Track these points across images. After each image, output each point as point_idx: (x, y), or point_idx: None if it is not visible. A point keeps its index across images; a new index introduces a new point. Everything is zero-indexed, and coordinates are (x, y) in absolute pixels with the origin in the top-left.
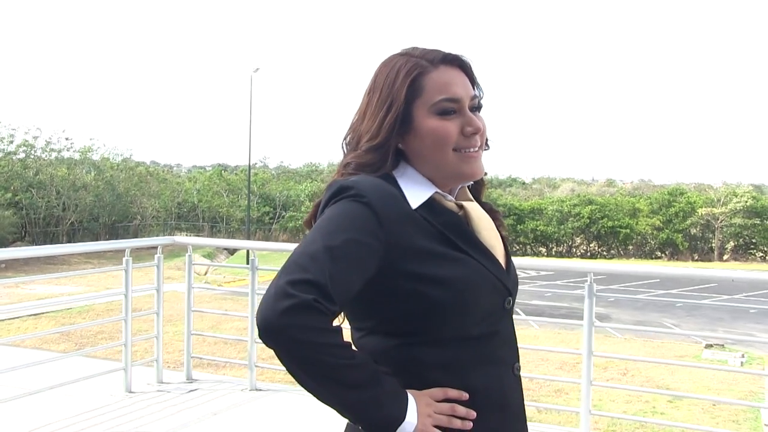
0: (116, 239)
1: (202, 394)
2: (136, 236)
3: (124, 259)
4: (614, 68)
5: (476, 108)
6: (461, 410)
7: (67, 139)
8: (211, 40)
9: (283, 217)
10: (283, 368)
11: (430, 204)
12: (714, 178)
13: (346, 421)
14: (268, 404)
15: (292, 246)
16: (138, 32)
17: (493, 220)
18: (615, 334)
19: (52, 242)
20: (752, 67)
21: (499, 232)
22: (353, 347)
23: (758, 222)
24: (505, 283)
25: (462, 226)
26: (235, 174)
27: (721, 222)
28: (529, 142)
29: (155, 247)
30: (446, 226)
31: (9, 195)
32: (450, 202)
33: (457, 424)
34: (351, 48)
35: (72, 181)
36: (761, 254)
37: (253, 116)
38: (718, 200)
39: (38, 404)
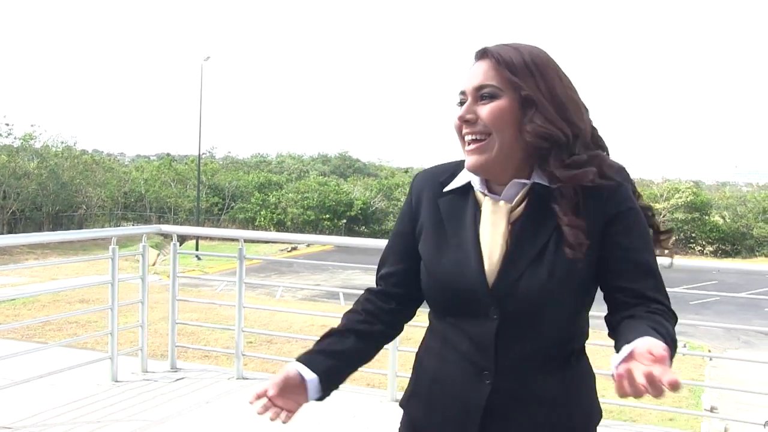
0: (61, 229)
1: (189, 383)
2: (81, 227)
3: (110, 248)
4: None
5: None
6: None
7: (7, 125)
8: (160, 28)
9: (232, 207)
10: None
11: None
12: (654, 174)
13: (329, 409)
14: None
15: (280, 235)
16: (85, 17)
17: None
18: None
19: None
20: (692, 66)
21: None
22: None
23: (698, 216)
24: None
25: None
26: (184, 164)
27: (663, 217)
28: None
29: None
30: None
31: None
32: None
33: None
34: (299, 39)
35: (13, 168)
36: (699, 248)
37: (202, 106)
38: (661, 195)
39: (24, 395)
